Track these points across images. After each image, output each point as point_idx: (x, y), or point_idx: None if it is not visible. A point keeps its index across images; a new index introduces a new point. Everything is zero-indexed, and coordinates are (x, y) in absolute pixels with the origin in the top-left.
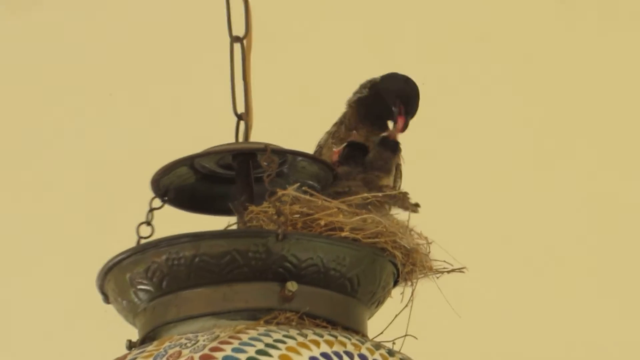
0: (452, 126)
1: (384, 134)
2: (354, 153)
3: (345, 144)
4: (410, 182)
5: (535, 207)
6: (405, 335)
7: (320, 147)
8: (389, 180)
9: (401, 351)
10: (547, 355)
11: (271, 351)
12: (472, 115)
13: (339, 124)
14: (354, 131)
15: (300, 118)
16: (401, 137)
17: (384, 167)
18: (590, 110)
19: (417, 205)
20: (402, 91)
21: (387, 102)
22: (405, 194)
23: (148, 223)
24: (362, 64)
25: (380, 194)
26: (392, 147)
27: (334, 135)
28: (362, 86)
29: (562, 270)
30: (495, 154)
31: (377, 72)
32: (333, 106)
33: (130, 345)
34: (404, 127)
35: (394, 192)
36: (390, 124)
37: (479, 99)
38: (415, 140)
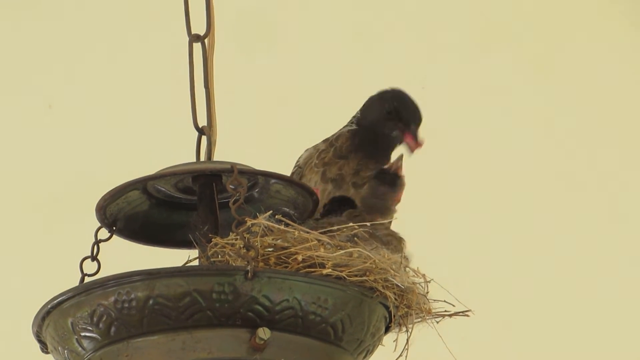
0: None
1: (385, 166)
2: (338, 207)
3: (329, 200)
4: (404, 209)
5: (549, 240)
6: None
7: (299, 168)
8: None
9: None
10: None
11: None
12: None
13: (330, 144)
14: (343, 160)
15: (274, 132)
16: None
17: (378, 205)
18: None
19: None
20: (387, 110)
21: (383, 131)
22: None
23: (93, 258)
24: (345, 70)
25: (368, 224)
26: (390, 181)
27: (319, 155)
28: (351, 121)
29: (582, 313)
30: (504, 179)
31: (364, 81)
32: (314, 120)
33: None
34: (416, 140)
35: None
36: (400, 151)
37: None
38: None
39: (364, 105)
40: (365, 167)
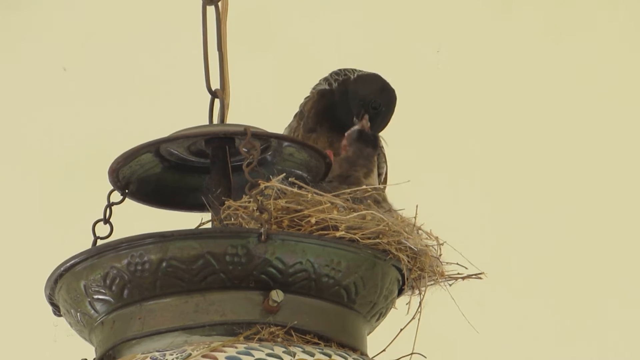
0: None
1: (356, 127)
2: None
3: None
4: (420, 172)
5: (567, 200)
6: (412, 353)
7: None
8: (371, 179)
9: None
10: None
11: None
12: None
13: (299, 118)
14: (313, 135)
15: (287, 95)
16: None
17: (365, 165)
18: None
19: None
20: (373, 101)
21: (352, 108)
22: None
23: (106, 221)
24: (364, 35)
25: (382, 186)
26: (372, 143)
27: (293, 134)
28: (333, 76)
29: (601, 276)
30: (519, 142)
31: (377, 44)
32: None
33: None
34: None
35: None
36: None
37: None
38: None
39: (364, 75)
40: (336, 139)
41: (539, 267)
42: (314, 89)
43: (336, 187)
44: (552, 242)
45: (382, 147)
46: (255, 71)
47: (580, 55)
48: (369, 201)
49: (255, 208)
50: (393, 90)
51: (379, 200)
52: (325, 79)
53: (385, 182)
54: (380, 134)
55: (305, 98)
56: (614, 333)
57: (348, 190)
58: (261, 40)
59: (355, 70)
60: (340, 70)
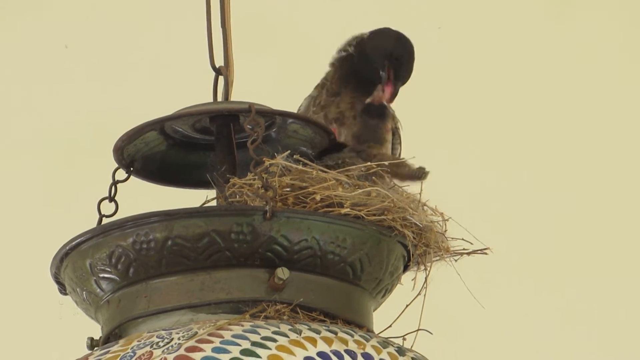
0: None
1: (368, 100)
2: (336, 147)
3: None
4: (423, 149)
5: (575, 175)
6: (418, 329)
7: None
8: (383, 150)
9: (413, 349)
10: (581, 353)
11: (259, 350)
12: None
13: (321, 87)
14: (337, 98)
15: (292, 72)
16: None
17: (374, 137)
18: None
19: (422, 170)
20: (392, 52)
21: (374, 63)
22: (403, 160)
23: (111, 199)
24: (364, 8)
25: (386, 162)
26: (379, 113)
27: (315, 101)
28: (348, 43)
29: (607, 255)
30: (522, 116)
31: (386, 21)
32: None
33: (92, 345)
34: (393, 95)
35: (397, 160)
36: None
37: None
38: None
39: (377, 31)
40: (359, 100)
41: (545, 242)
42: (333, 58)
43: (352, 157)
44: (559, 218)
45: (399, 128)
46: (259, 56)
47: (582, 34)
48: (374, 177)
49: (260, 185)
50: (408, 39)
51: (384, 176)
52: (342, 49)
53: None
54: (398, 108)
55: (326, 72)
56: (621, 310)
57: (352, 168)
58: (265, 29)
59: (364, 33)
60: (351, 37)
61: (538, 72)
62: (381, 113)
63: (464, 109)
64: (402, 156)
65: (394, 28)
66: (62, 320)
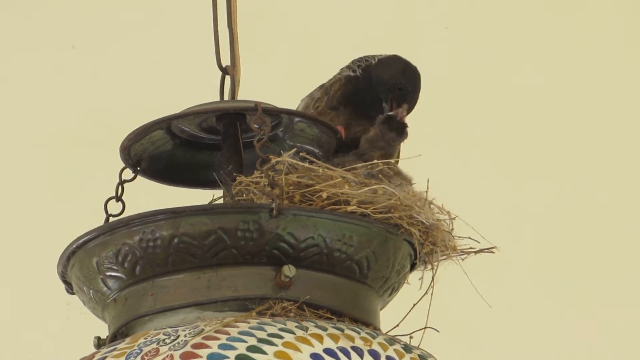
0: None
1: (390, 113)
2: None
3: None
4: (431, 146)
5: (585, 173)
6: (425, 327)
7: None
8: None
9: (420, 347)
10: (592, 353)
11: (265, 347)
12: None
13: (324, 92)
14: (333, 112)
15: (299, 71)
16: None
17: (386, 149)
18: None
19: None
20: (397, 84)
21: (379, 94)
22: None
23: (118, 198)
24: (378, 12)
25: (393, 160)
26: (398, 129)
27: (314, 104)
28: (356, 62)
29: (622, 252)
30: (532, 114)
31: (391, 20)
32: (338, 61)
33: (99, 343)
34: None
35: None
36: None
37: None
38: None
39: (385, 59)
40: (355, 122)
41: (553, 241)
42: (339, 74)
43: (353, 161)
44: (568, 215)
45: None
46: (265, 53)
47: (585, 28)
48: (380, 176)
49: (266, 183)
50: (415, 69)
51: (391, 175)
52: (348, 67)
53: (397, 156)
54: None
55: (330, 80)
56: (634, 310)
57: (359, 165)
58: (270, 25)
59: (375, 56)
60: (360, 57)
61: (546, 66)
62: (401, 130)
63: (471, 106)
64: (408, 154)
65: (402, 56)
66: (69, 320)
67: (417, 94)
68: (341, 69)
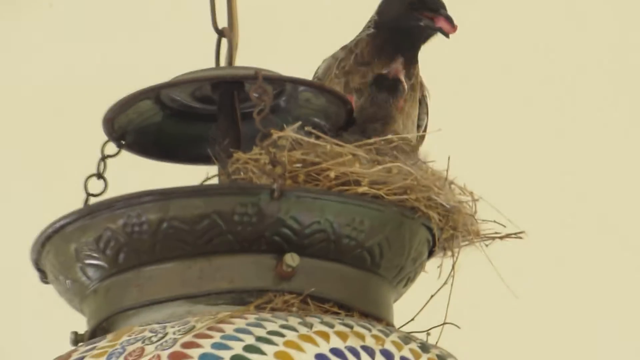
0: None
1: (383, 70)
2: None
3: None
4: (451, 120)
5: (618, 153)
6: (444, 323)
7: (318, 80)
8: (392, 127)
9: (438, 345)
10: (618, 348)
11: (264, 347)
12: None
13: (349, 51)
14: (366, 68)
15: (304, 35)
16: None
17: (379, 115)
18: None
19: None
20: (415, 2)
21: (409, 24)
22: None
23: (99, 176)
24: None
25: (409, 135)
26: (390, 87)
27: (339, 64)
28: (368, 25)
29: None
30: (561, 89)
31: None
32: (347, 22)
33: (76, 340)
34: (451, 24)
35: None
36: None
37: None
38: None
39: (380, 4)
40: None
41: (585, 225)
42: (359, 36)
43: (358, 139)
44: (602, 198)
45: (426, 96)
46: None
47: (592, 26)
48: (395, 152)
49: (267, 161)
50: None
51: (407, 151)
52: (367, 26)
53: (423, 137)
54: (425, 83)
55: (357, 38)
56: None
57: (371, 140)
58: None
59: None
60: (371, 17)
61: (564, 46)
62: (393, 88)
63: (499, 74)
64: (428, 128)
65: None
66: (43, 312)
67: None
68: (361, 31)
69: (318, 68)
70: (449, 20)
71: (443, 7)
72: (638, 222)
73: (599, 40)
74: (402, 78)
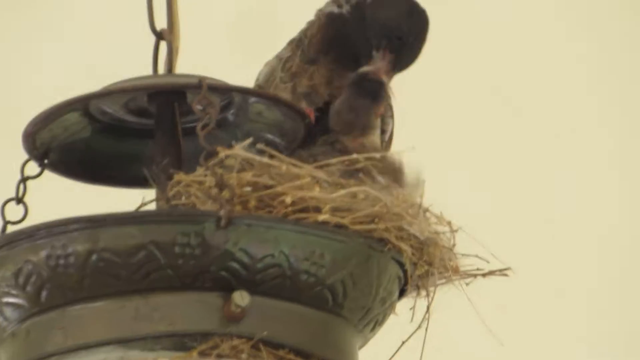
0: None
1: (364, 68)
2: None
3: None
4: (429, 139)
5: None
6: None
7: (260, 88)
8: (369, 139)
9: None
10: None
11: None
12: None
13: (296, 45)
14: (312, 67)
15: (253, 38)
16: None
17: (357, 123)
18: None
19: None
20: (396, 30)
21: (370, 38)
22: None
23: (19, 200)
24: None
25: (377, 155)
26: (372, 91)
27: (284, 65)
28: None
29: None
30: (547, 110)
31: None
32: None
33: None
34: (380, 75)
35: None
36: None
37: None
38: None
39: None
40: (338, 76)
41: (575, 262)
42: (319, 10)
43: (325, 153)
44: (592, 231)
45: (389, 96)
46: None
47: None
48: (361, 175)
49: (212, 184)
50: (424, 13)
51: (375, 174)
52: (334, 1)
53: (389, 143)
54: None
55: (308, 22)
56: None
57: (334, 161)
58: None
59: None
60: None
61: (558, 60)
62: (376, 93)
63: (479, 90)
64: (393, 133)
65: None
66: None
67: (420, 47)
68: (322, 7)
69: (259, 73)
70: (385, 73)
71: (403, 65)
72: (634, 255)
73: (584, 56)
74: (386, 79)
